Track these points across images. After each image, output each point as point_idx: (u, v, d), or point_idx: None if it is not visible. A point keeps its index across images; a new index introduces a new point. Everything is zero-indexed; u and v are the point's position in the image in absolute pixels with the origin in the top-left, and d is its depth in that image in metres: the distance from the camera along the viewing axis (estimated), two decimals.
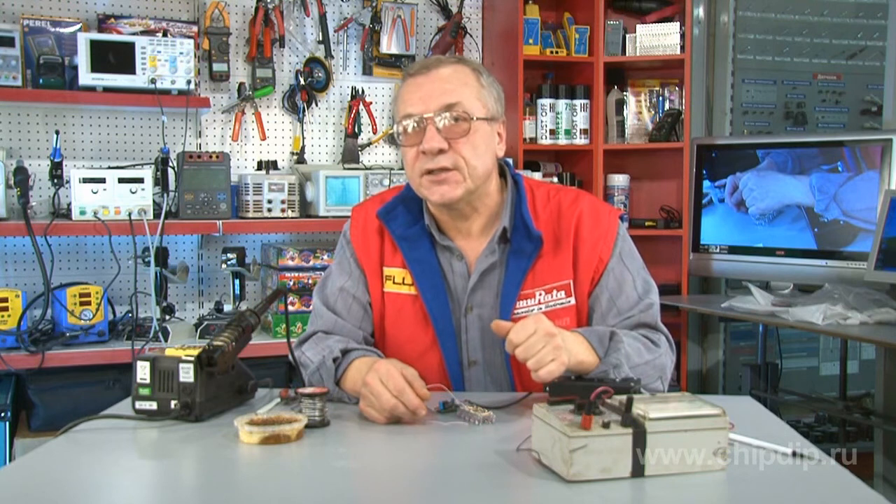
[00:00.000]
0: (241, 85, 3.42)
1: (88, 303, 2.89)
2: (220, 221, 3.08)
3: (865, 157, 3.21)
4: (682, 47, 3.60)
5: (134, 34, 3.17)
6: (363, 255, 1.75)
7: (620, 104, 3.77)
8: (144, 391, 1.47)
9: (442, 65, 1.66)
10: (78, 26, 3.17)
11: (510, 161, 1.88)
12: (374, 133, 3.66)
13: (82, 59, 2.95)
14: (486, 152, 1.65)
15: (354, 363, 1.60)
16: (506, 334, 1.45)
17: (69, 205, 2.97)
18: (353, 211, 1.83)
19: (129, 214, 2.93)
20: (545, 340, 1.42)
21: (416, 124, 1.62)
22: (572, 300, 1.68)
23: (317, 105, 3.59)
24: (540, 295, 1.67)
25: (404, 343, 1.72)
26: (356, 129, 3.58)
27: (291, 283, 3.12)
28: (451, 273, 1.71)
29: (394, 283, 1.72)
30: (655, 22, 3.69)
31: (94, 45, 2.97)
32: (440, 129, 1.60)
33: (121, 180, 2.95)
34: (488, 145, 1.66)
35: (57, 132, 3.06)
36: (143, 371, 1.46)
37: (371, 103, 3.62)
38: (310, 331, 1.76)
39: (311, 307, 1.85)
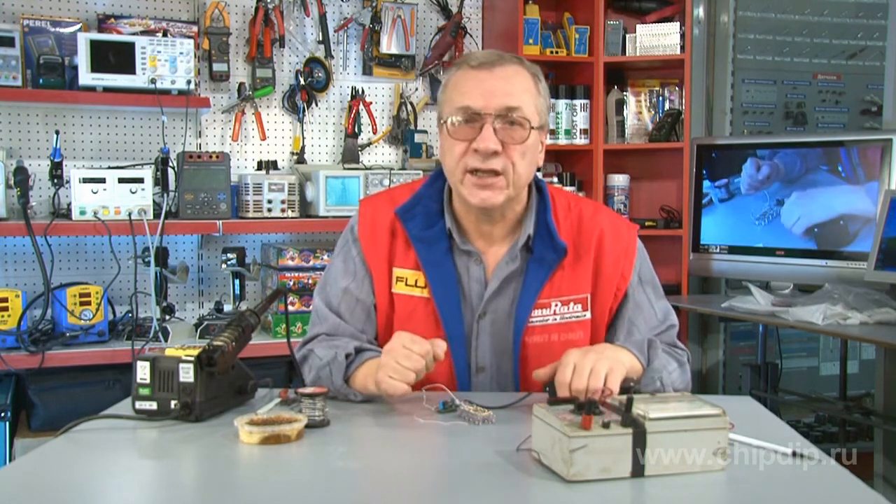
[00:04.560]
0: (241, 85, 3.42)
1: (88, 303, 2.89)
2: (220, 221, 3.08)
3: (865, 157, 3.21)
4: (682, 47, 3.60)
5: (134, 34, 3.17)
6: (371, 255, 1.70)
7: (620, 104, 3.77)
8: (144, 391, 1.47)
9: (506, 62, 1.61)
10: (78, 26, 3.17)
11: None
12: (374, 133, 3.66)
13: (82, 59, 2.95)
14: (532, 161, 1.63)
15: (368, 362, 1.58)
16: (545, 378, 1.50)
17: (69, 205, 2.97)
18: (360, 205, 1.77)
19: (129, 214, 2.93)
20: (587, 361, 1.44)
21: (471, 119, 1.58)
22: (588, 314, 1.67)
23: (317, 105, 3.59)
24: (556, 305, 1.66)
25: None
26: (356, 129, 3.58)
27: (291, 283, 3.12)
28: (466, 277, 1.68)
29: (406, 284, 1.68)
30: (655, 22, 3.68)
31: (94, 45, 2.97)
32: (496, 129, 1.57)
33: (121, 180, 2.95)
34: (535, 155, 1.64)
35: (57, 132, 3.06)
36: (143, 371, 1.46)
37: (371, 103, 3.62)
38: (311, 334, 1.72)
39: (311, 307, 1.83)
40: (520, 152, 1.58)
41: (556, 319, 1.66)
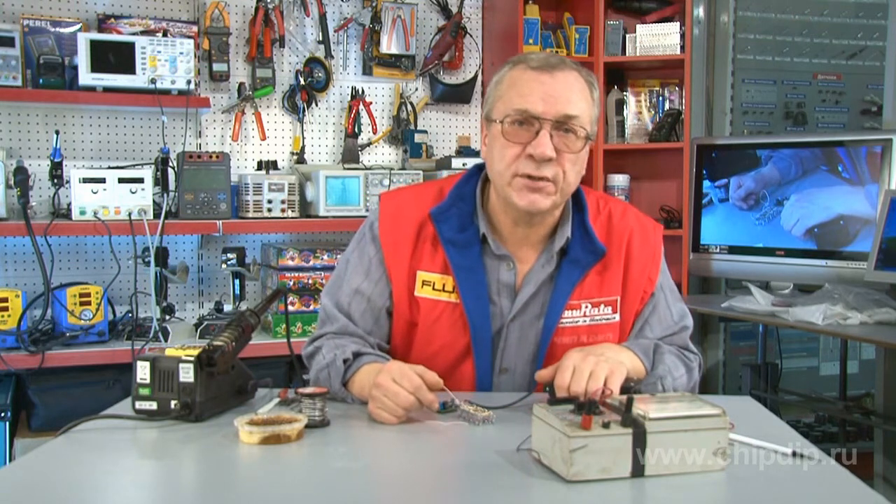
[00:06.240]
0: (241, 85, 3.43)
1: (88, 303, 2.89)
2: (220, 221, 3.08)
3: (865, 157, 3.21)
4: (682, 47, 3.60)
5: (134, 34, 3.17)
6: (391, 257, 1.64)
7: (620, 104, 3.77)
8: (144, 391, 1.47)
9: (567, 68, 1.57)
10: (78, 26, 3.17)
11: None
12: (374, 133, 3.66)
13: (82, 59, 2.95)
14: (580, 171, 1.60)
15: (364, 367, 1.56)
16: (547, 379, 1.48)
17: (69, 205, 2.97)
18: (382, 201, 1.70)
19: (129, 214, 2.93)
20: (586, 364, 1.43)
21: (527, 122, 1.54)
22: (617, 317, 1.66)
23: (317, 105, 3.59)
24: (586, 307, 1.64)
25: (438, 351, 1.65)
26: (356, 129, 3.58)
27: (291, 283, 3.11)
28: (495, 282, 1.64)
29: (433, 289, 1.63)
30: (655, 22, 3.69)
31: (94, 45, 2.97)
32: (552, 135, 1.53)
33: (121, 180, 2.95)
34: (583, 164, 1.61)
35: (57, 132, 3.06)
36: (143, 371, 1.46)
37: (371, 103, 3.62)
38: (318, 333, 1.69)
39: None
40: (571, 160, 1.56)
41: (585, 321, 1.64)
